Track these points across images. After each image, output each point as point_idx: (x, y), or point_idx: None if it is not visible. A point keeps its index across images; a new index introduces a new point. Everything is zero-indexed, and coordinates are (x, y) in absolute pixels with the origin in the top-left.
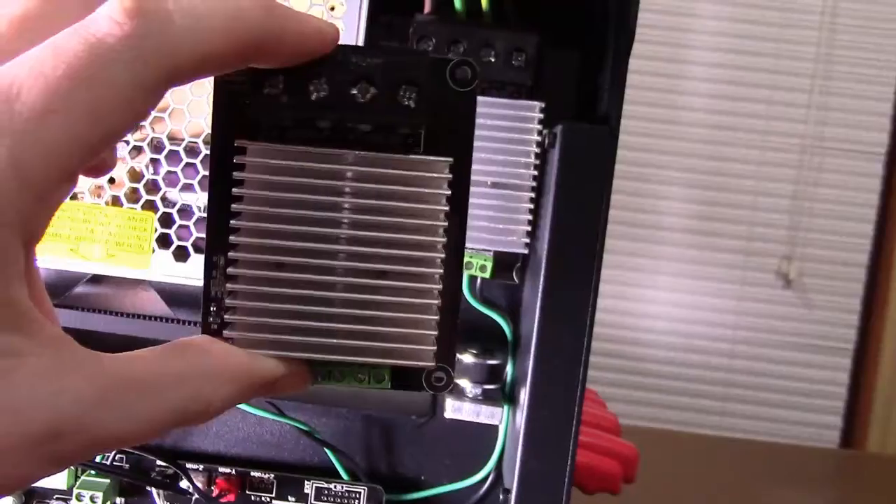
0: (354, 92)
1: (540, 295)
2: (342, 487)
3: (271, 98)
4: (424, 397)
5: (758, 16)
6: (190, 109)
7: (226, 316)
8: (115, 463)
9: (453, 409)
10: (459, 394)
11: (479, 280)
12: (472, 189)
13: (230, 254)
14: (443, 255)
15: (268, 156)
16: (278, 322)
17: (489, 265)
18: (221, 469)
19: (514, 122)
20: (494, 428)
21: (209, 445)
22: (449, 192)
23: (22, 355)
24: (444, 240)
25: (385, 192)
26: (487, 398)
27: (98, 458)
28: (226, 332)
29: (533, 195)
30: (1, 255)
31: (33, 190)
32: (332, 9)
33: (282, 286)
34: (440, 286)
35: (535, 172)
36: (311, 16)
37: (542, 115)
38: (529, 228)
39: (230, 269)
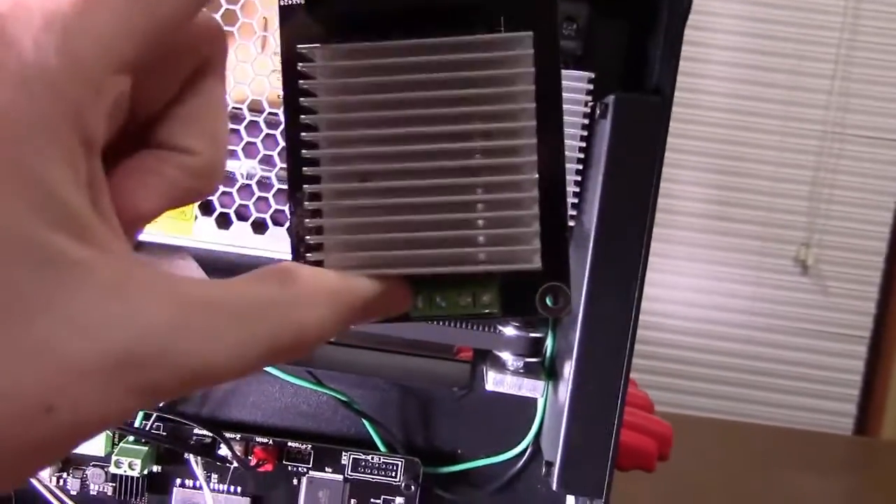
0: None
1: (588, 268)
2: (379, 459)
3: None
4: (463, 369)
5: (780, 0)
6: (234, 74)
7: (311, 239)
8: (152, 430)
9: (495, 381)
10: (501, 366)
11: None
12: None
13: (309, 170)
14: (535, 142)
15: (336, 57)
16: (369, 238)
17: None
18: (259, 439)
19: (563, 93)
20: (532, 402)
21: (247, 415)
22: (534, 70)
23: (90, 268)
24: (533, 123)
25: (466, 78)
26: (529, 371)
27: (137, 424)
28: (311, 256)
29: (580, 167)
30: (59, 153)
31: (87, 80)
32: None
33: (369, 197)
34: (536, 177)
35: (583, 144)
36: None
37: (590, 86)
38: (576, 200)
39: (311, 187)
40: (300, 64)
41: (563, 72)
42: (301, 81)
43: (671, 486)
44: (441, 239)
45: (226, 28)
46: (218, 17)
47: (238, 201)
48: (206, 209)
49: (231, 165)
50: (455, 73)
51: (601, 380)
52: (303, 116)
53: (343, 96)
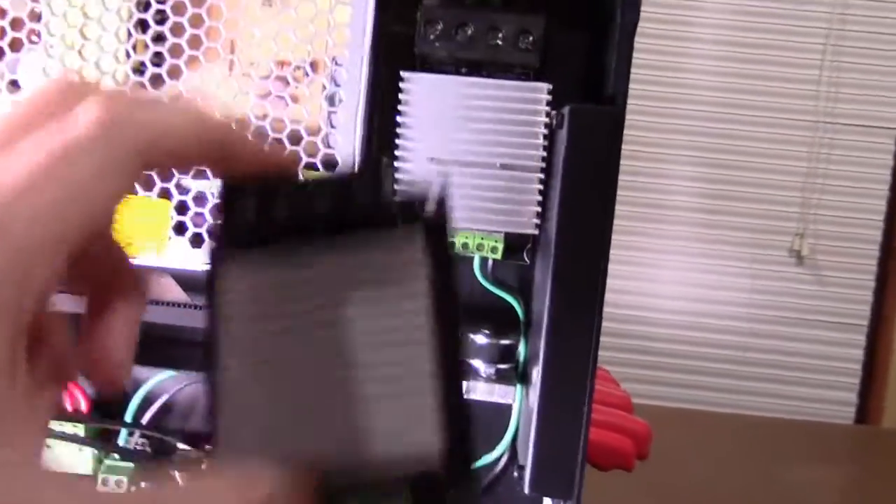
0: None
1: (550, 275)
2: None
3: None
4: None
5: None
6: (201, 97)
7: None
8: (137, 447)
9: (467, 388)
10: (473, 374)
11: (490, 261)
12: (482, 171)
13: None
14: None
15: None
16: (273, 435)
17: (500, 246)
18: None
19: (522, 104)
20: (508, 407)
21: None
22: (427, 269)
23: None
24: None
25: (360, 280)
26: (501, 378)
27: (121, 442)
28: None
29: (542, 176)
30: None
31: (21, 268)
32: None
33: (272, 392)
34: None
35: (544, 153)
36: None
37: (549, 97)
38: (539, 209)
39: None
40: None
41: (522, 83)
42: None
43: (670, 480)
44: (344, 439)
45: (191, 52)
46: (183, 41)
47: (210, 221)
48: (180, 229)
49: (202, 185)
50: (349, 275)
51: (568, 384)
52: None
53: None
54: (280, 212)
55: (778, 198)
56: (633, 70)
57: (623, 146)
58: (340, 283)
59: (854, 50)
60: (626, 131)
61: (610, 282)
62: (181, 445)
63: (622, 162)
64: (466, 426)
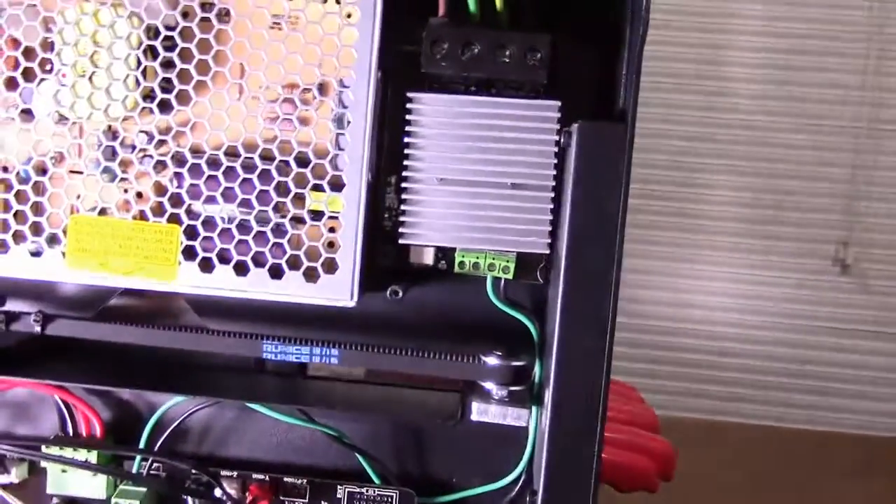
0: None
1: (560, 294)
2: (374, 491)
3: None
4: (453, 400)
5: None
6: (211, 122)
7: None
8: (151, 472)
9: (479, 411)
10: (485, 396)
11: (502, 281)
12: (492, 191)
13: None
14: None
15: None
16: None
17: (512, 266)
18: (255, 475)
19: (532, 123)
20: (521, 430)
21: (244, 452)
22: None
23: None
24: None
25: None
26: (514, 400)
27: (135, 468)
28: None
29: (553, 195)
30: None
31: None
32: (349, 16)
33: None
34: None
35: (555, 172)
36: None
37: (559, 115)
38: (551, 228)
39: None
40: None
41: (531, 101)
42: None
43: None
44: None
45: (199, 78)
46: (192, 66)
47: (219, 245)
48: (190, 254)
49: (211, 210)
50: None
51: (579, 406)
52: None
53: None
54: None
55: (821, 206)
56: (672, 79)
57: (662, 156)
58: None
59: None
60: (666, 141)
61: (650, 293)
62: (194, 471)
63: (664, 172)
64: None
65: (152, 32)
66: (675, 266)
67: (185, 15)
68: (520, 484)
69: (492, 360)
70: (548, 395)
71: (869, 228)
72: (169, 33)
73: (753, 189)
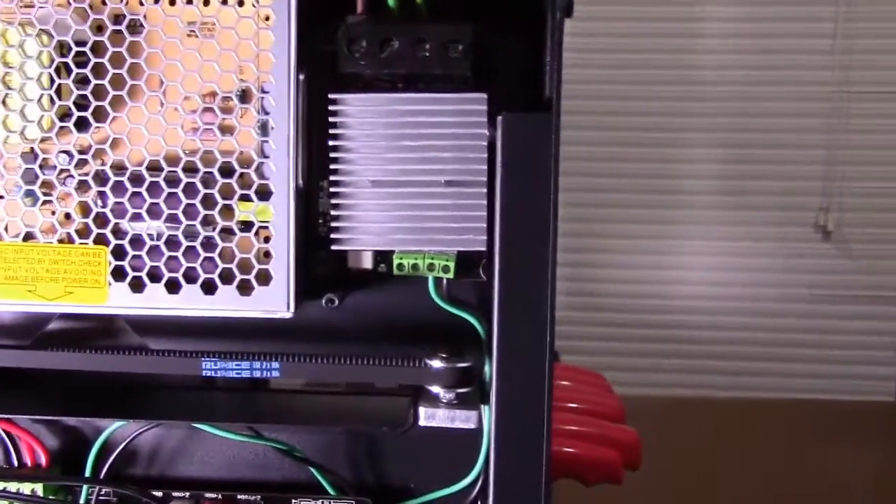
0: None
1: (496, 289)
2: (329, 503)
3: None
4: (402, 405)
5: None
6: (130, 137)
7: None
8: (100, 498)
9: (426, 416)
10: (433, 400)
11: (444, 281)
12: (425, 189)
13: None
14: None
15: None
16: None
17: (452, 265)
18: (208, 494)
19: (460, 118)
20: (471, 432)
21: (195, 471)
22: None
23: None
24: None
25: None
26: (463, 401)
27: (82, 497)
28: None
29: (486, 189)
30: None
31: None
32: (268, 19)
33: None
34: None
35: (486, 166)
36: None
37: (486, 107)
38: (487, 224)
39: None
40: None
41: (458, 95)
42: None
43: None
44: None
45: (115, 93)
46: (106, 81)
47: (149, 263)
48: (119, 274)
49: (138, 228)
50: None
51: (524, 403)
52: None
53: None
54: None
55: (800, 173)
56: (647, 55)
57: (639, 133)
58: None
59: (865, 14)
60: (641, 118)
61: (634, 272)
62: (144, 496)
63: (639, 150)
64: None
65: (64, 49)
66: (656, 243)
67: (97, 29)
68: (478, 486)
69: (436, 363)
70: (492, 393)
71: (847, 193)
72: (81, 49)
73: (730, 160)
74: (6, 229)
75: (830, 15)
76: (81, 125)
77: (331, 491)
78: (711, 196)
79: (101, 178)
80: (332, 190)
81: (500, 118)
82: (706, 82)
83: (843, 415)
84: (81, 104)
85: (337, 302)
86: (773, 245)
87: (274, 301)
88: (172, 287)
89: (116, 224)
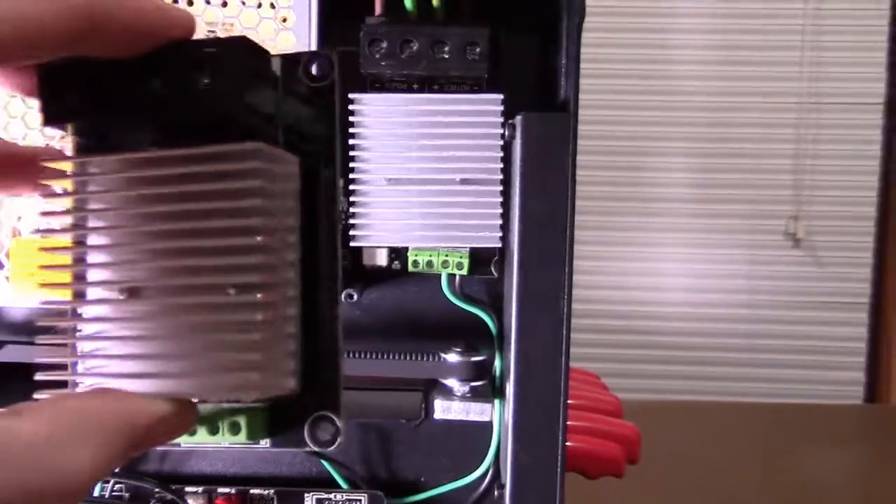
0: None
1: (514, 286)
2: (342, 497)
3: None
4: (414, 399)
5: None
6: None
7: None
8: (113, 494)
9: (442, 409)
10: (448, 393)
11: (457, 277)
12: (441, 188)
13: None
14: (274, 264)
15: (79, 169)
16: (143, 353)
17: (465, 262)
18: (220, 489)
19: (477, 117)
20: (485, 425)
21: (207, 467)
22: (295, 191)
23: None
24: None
25: (207, 191)
26: (476, 395)
27: (97, 491)
28: (87, 368)
29: (502, 188)
30: None
31: None
32: (284, 20)
33: (136, 312)
34: (275, 305)
35: (503, 165)
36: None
37: (502, 107)
38: (501, 222)
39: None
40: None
41: (475, 96)
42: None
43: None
44: (201, 364)
45: None
46: None
47: None
48: None
49: None
50: (196, 186)
51: (540, 395)
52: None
53: (96, 204)
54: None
55: (770, 182)
56: (619, 66)
57: (612, 142)
58: (179, 184)
59: (833, 28)
60: (614, 127)
61: (608, 278)
62: (158, 489)
63: (611, 158)
64: (331, 358)
65: None
66: (629, 250)
67: None
68: (487, 478)
69: (452, 357)
70: (509, 388)
71: (816, 201)
72: None
73: (703, 169)
74: (25, 225)
75: (798, 28)
76: None
77: (343, 484)
78: (684, 204)
79: None
80: (349, 188)
81: (519, 117)
82: (677, 92)
83: (813, 417)
84: None
85: (356, 297)
86: (743, 252)
87: None
88: None
89: None
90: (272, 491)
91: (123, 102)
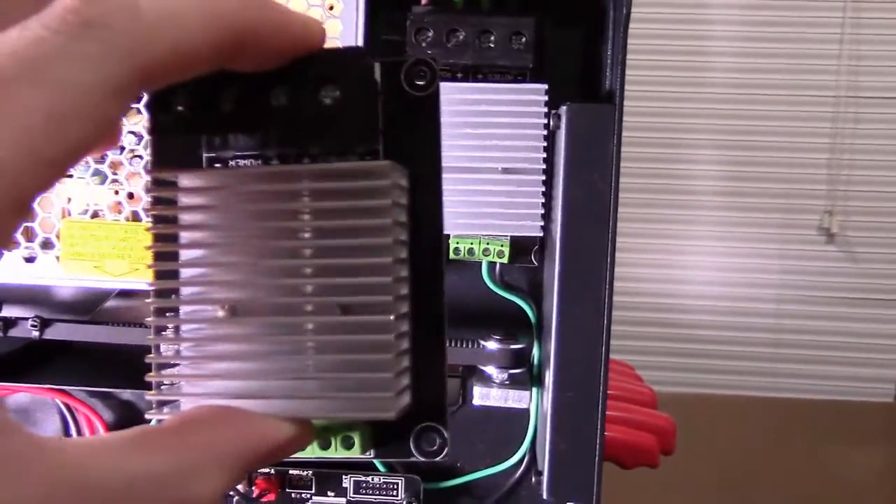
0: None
1: (556, 275)
2: (380, 480)
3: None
4: (453, 385)
5: None
6: None
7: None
8: None
9: (481, 395)
10: (486, 380)
11: (498, 265)
12: (483, 176)
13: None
14: (397, 281)
15: (204, 182)
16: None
17: (506, 250)
18: (260, 469)
19: (520, 107)
20: (523, 412)
21: None
22: (406, 204)
23: None
24: (392, 259)
25: (339, 208)
26: (515, 382)
27: None
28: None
29: (544, 177)
30: None
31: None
32: (331, 8)
33: (235, 332)
34: (398, 321)
35: (545, 154)
36: (294, 11)
37: (546, 97)
38: (543, 211)
39: (174, 325)
40: (159, 189)
41: (519, 85)
42: (160, 206)
43: (708, 466)
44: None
45: None
46: None
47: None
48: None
49: None
50: (328, 202)
51: (580, 384)
52: (161, 243)
53: (209, 225)
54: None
55: (804, 176)
56: (651, 57)
57: (645, 134)
58: (296, 197)
59: (873, 21)
60: (648, 119)
61: (638, 271)
62: None
63: (644, 150)
64: (441, 372)
65: None
66: (660, 242)
67: None
68: (523, 465)
69: (491, 345)
70: (549, 376)
71: (851, 196)
72: None
73: (736, 162)
74: (73, 206)
75: (838, 21)
76: None
77: (380, 468)
78: (716, 197)
79: None
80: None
81: (564, 108)
82: (711, 84)
83: (843, 415)
84: None
85: None
86: (776, 246)
87: None
88: None
89: None
90: (310, 472)
91: (244, 116)
